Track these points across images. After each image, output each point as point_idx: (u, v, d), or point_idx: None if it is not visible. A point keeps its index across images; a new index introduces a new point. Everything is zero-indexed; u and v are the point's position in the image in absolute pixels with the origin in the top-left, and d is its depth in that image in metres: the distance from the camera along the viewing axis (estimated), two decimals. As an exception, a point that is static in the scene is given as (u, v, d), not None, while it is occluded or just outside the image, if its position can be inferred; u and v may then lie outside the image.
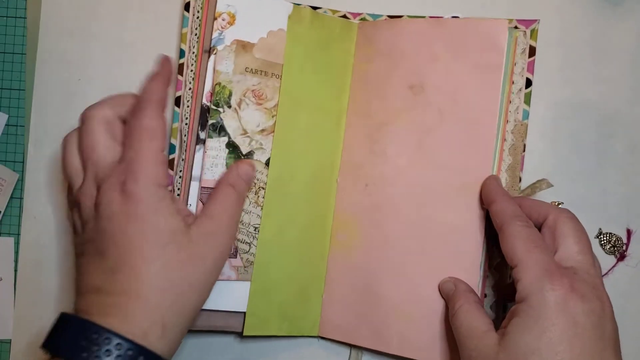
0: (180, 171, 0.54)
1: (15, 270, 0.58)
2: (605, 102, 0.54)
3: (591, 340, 0.40)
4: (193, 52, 0.55)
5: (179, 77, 0.55)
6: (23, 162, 0.58)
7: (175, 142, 0.55)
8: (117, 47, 0.58)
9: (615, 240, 0.54)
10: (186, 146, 0.54)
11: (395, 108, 0.54)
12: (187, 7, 0.56)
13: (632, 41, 0.54)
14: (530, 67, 0.53)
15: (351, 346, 0.55)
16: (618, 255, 0.54)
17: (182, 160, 0.54)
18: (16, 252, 0.58)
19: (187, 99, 0.55)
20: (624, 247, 0.54)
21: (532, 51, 0.53)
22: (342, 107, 0.57)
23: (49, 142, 0.58)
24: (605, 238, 0.54)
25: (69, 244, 0.58)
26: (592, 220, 0.54)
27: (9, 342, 0.58)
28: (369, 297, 0.54)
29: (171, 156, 0.55)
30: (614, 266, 0.54)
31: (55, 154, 0.58)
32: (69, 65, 0.58)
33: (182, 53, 0.56)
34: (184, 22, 0.56)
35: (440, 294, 0.51)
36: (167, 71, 0.46)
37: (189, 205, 0.52)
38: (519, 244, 0.44)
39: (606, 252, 0.54)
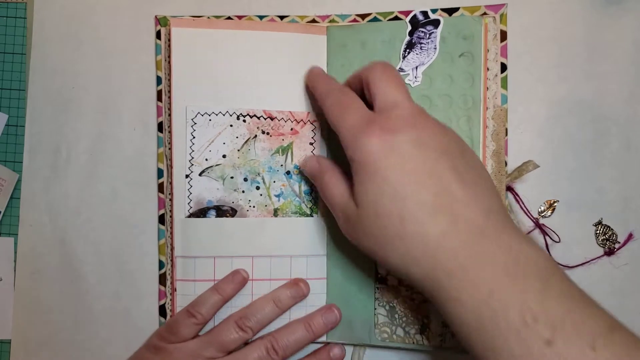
0: (170, 194, 0.55)
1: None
2: (601, 99, 0.54)
3: (420, 162, 0.41)
4: (167, 79, 0.55)
5: (159, 103, 0.57)
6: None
7: (163, 166, 0.56)
8: (110, 54, 0.58)
9: (610, 235, 0.54)
10: (170, 170, 0.55)
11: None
12: (158, 34, 0.57)
13: (627, 39, 0.54)
14: (504, 52, 0.54)
15: (353, 345, 0.56)
16: (607, 250, 0.54)
17: (170, 183, 0.55)
18: (16, 252, 0.58)
19: (167, 124, 0.56)
20: (616, 245, 0.54)
21: (503, 35, 0.54)
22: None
23: (44, 150, 0.58)
24: (601, 229, 0.54)
25: (65, 252, 0.58)
26: (588, 219, 0.54)
27: (8, 342, 0.58)
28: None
29: (160, 180, 0.57)
30: (597, 257, 0.54)
31: (51, 162, 0.58)
32: (63, 73, 0.58)
33: (158, 80, 0.57)
34: (156, 49, 0.57)
35: (306, 173, 0.53)
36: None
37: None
38: (333, 113, 0.46)
39: (598, 243, 0.54)
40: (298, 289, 0.54)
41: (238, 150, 0.54)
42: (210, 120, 0.54)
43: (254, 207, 0.55)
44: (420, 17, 0.54)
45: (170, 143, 0.55)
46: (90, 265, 0.58)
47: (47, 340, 0.58)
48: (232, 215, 0.55)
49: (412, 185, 0.40)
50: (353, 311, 0.55)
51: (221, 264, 0.55)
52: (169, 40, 0.54)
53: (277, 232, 0.55)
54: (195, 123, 0.53)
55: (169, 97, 0.55)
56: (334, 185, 0.48)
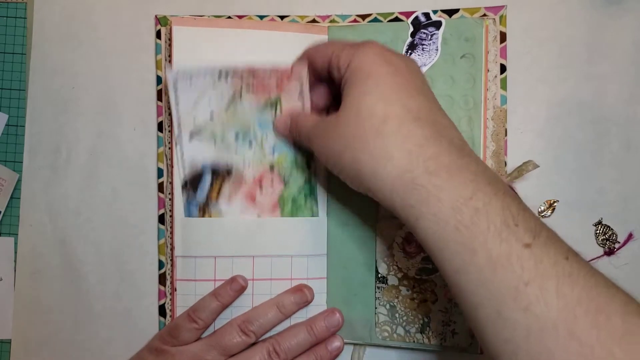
0: (169, 193, 0.55)
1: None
2: (601, 100, 0.55)
3: (411, 79, 0.43)
4: None
5: (159, 102, 0.57)
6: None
7: (162, 166, 0.56)
8: (110, 54, 0.58)
9: (610, 235, 0.54)
10: (170, 170, 0.54)
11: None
12: (158, 34, 0.57)
13: (627, 39, 0.55)
14: (503, 53, 0.54)
15: (354, 344, 0.56)
16: (607, 250, 0.54)
17: (170, 183, 0.55)
18: (16, 252, 0.58)
19: (167, 124, 0.55)
20: (616, 245, 0.54)
21: (503, 37, 0.54)
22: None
23: (44, 150, 0.58)
24: (601, 229, 0.54)
25: (65, 252, 0.58)
26: (588, 219, 0.55)
27: (9, 342, 0.58)
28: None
29: (159, 180, 0.56)
30: (597, 257, 0.54)
31: (51, 161, 0.58)
32: (63, 73, 0.58)
33: (159, 80, 0.57)
34: (157, 49, 0.56)
35: (278, 131, 0.53)
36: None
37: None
38: (329, 46, 0.48)
39: (598, 243, 0.54)
40: (302, 295, 0.54)
41: (225, 110, 0.53)
42: (190, 81, 0.52)
43: (249, 165, 0.54)
44: (422, 19, 0.54)
45: (170, 142, 0.55)
46: (90, 265, 0.58)
47: (47, 340, 0.58)
48: (229, 174, 0.54)
49: (401, 94, 0.41)
50: (353, 311, 0.55)
51: (221, 264, 0.55)
52: (170, 39, 0.54)
53: (277, 232, 0.55)
54: (177, 88, 0.52)
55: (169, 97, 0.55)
56: (305, 117, 0.50)
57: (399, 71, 0.42)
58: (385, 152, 0.40)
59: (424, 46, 0.53)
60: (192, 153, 0.53)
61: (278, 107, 0.53)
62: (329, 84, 0.50)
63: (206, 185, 0.54)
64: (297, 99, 0.52)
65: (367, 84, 0.42)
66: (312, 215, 0.55)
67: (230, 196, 0.54)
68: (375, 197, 0.42)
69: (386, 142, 0.40)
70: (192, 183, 0.54)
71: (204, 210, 0.54)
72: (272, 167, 0.54)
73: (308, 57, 0.50)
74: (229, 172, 0.54)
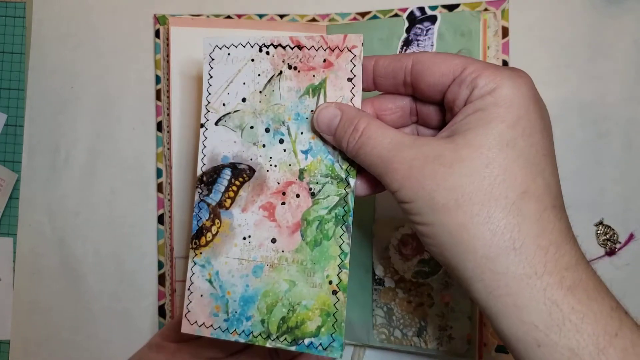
0: (169, 194, 0.55)
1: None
2: (601, 99, 0.54)
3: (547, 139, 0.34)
4: (166, 78, 0.55)
5: (158, 102, 0.57)
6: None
7: (162, 166, 0.56)
8: (109, 54, 0.59)
9: (611, 235, 0.53)
10: (169, 170, 0.55)
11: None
12: (157, 33, 0.57)
13: (627, 38, 0.54)
14: (505, 49, 0.53)
15: (354, 345, 0.56)
16: (608, 250, 0.53)
17: (169, 183, 0.55)
18: (15, 253, 0.58)
19: (166, 124, 0.55)
20: (617, 246, 0.53)
21: (505, 32, 0.53)
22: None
23: (43, 149, 0.58)
24: (602, 229, 0.54)
25: (64, 252, 0.58)
26: (589, 219, 0.54)
27: (7, 342, 0.58)
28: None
29: (158, 180, 0.57)
30: (598, 257, 0.54)
31: (50, 161, 0.58)
32: (62, 73, 0.59)
33: (158, 79, 0.57)
34: (155, 48, 0.57)
35: (320, 128, 0.41)
36: None
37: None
38: (429, 63, 0.37)
39: (599, 243, 0.54)
40: None
41: (260, 92, 0.44)
42: (229, 54, 0.45)
43: (275, 166, 0.44)
44: (417, 14, 0.53)
45: (169, 142, 0.55)
46: (89, 265, 0.58)
47: (46, 341, 0.58)
48: (250, 177, 0.44)
49: (547, 162, 0.33)
50: (353, 311, 0.54)
51: (220, 265, 0.54)
52: (168, 39, 0.54)
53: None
54: (212, 59, 0.45)
55: (168, 97, 0.55)
56: (379, 129, 0.37)
57: (548, 126, 0.34)
58: (513, 238, 0.31)
59: (419, 42, 0.53)
60: (215, 141, 0.45)
61: (321, 94, 0.43)
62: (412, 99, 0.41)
63: (222, 184, 0.45)
64: (347, 80, 0.42)
65: (514, 131, 0.32)
66: (347, 182, 0.42)
67: (247, 205, 0.44)
68: (461, 283, 0.33)
69: (520, 225, 0.31)
70: (208, 178, 0.46)
71: (214, 214, 0.45)
72: (301, 175, 0.43)
73: (413, 60, 0.38)
74: (250, 172, 0.45)
